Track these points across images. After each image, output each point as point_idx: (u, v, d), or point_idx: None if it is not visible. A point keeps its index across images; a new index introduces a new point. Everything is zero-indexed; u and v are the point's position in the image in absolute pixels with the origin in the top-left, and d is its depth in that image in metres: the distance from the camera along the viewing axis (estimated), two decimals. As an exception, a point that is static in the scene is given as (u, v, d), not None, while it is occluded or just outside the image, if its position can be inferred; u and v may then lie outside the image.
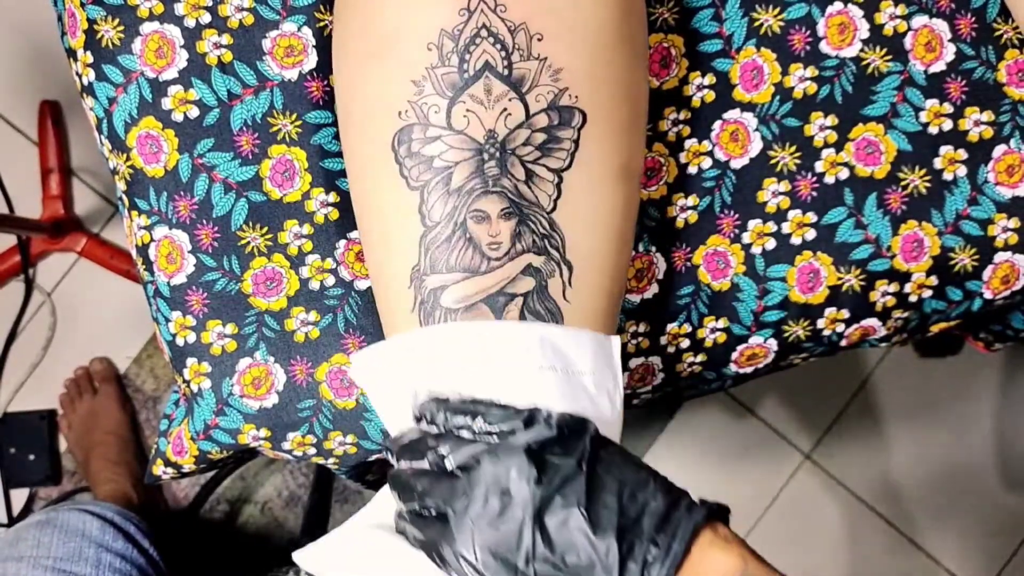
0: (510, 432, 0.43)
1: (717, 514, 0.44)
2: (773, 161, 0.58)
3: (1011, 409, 1.31)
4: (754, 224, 0.59)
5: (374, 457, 0.61)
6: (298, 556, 0.49)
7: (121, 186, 0.59)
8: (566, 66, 0.46)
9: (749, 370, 0.62)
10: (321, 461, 0.61)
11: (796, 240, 0.59)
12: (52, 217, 1.23)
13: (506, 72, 0.46)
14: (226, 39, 0.57)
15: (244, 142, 0.58)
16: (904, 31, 0.58)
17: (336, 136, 0.57)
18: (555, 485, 0.42)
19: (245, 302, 0.58)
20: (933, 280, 0.59)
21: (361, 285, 0.58)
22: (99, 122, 0.58)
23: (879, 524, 1.31)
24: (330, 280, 0.58)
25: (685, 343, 0.59)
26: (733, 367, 0.61)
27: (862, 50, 0.58)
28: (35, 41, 1.25)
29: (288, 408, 0.58)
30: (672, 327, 0.59)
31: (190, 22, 0.57)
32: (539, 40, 0.46)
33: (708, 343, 0.59)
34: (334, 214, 0.58)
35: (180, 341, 0.59)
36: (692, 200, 0.58)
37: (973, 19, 0.58)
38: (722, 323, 0.59)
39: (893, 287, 0.59)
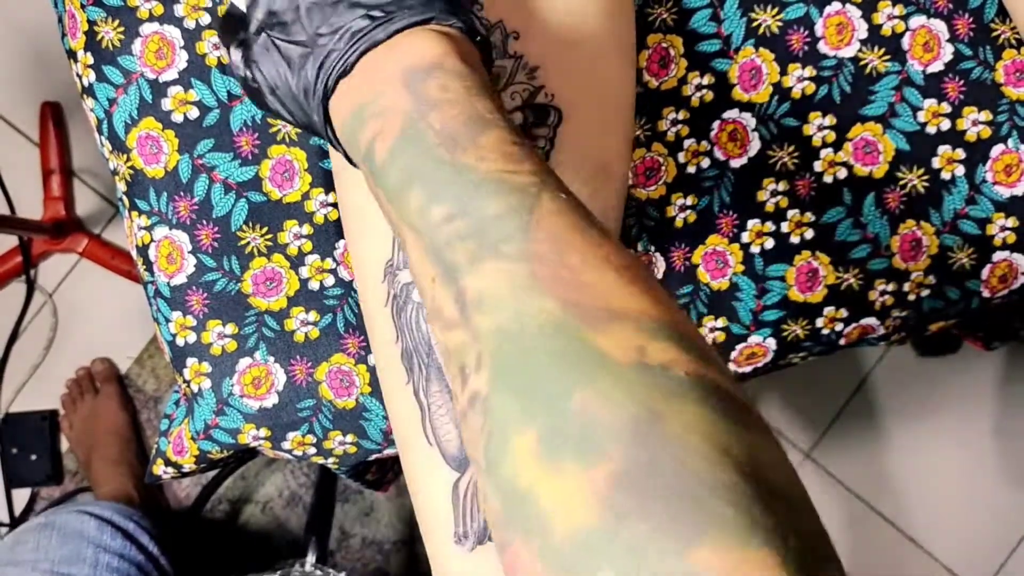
0: None
1: (471, 34, 0.38)
2: (772, 161, 0.58)
3: (1010, 408, 1.31)
4: (753, 224, 0.59)
5: (374, 457, 0.61)
6: None
7: (121, 187, 0.59)
8: (542, 64, 0.46)
9: (748, 369, 0.62)
10: (321, 461, 0.61)
11: (795, 239, 0.59)
12: (53, 218, 1.23)
13: None
14: (226, 40, 0.57)
15: (244, 143, 0.58)
16: (902, 31, 0.58)
17: (336, 137, 0.57)
18: None
19: (245, 302, 0.58)
20: (931, 279, 0.59)
21: (361, 285, 0.58)
22: (99, 123, 0.58)
23: (879, 522, 1.31)
24: (330, 280, 0.58)
25: (684, 342, 0.59)
26: (732, 366, 0.61)
27: (860, 50, 0.58)
28: (36, 43, 1.25)
29: (288, 408, 0.58)
30: (671, 326, 0.59)
31: (190, 23, 0.57)
32: (515, 39, 0.46)
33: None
34: (333, 214, 0.58)
35: (180, 341, 0.59)
36: (691, 200, 0.59)
37: (971, 19, 0.58)
38: (721, 322, 0.59)
39: (891, 286, 0.59)
